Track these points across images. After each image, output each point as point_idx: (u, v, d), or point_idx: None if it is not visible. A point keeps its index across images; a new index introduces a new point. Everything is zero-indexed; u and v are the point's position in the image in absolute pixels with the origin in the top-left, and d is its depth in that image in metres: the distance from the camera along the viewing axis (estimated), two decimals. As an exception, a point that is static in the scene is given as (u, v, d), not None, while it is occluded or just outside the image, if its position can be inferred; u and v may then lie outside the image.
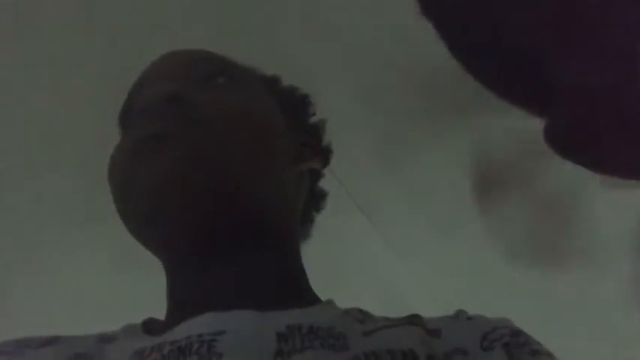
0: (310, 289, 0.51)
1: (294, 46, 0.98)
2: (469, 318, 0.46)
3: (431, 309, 0.50)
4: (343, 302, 0.49)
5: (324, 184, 0.66)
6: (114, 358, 0.41)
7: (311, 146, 0.56)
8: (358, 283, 1.11)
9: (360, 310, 0.48)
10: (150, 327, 0.46)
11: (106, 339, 0.44)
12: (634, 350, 1.20)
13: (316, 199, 0.60)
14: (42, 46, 0.93)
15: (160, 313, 0.50)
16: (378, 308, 0.50)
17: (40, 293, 1.13)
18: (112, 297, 1.09)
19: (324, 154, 0.59)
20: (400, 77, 1.09)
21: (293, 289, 0.49)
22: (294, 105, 0.57)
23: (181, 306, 0.46)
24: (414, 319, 0.44)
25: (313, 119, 0.60)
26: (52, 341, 0.44)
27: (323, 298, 0.51)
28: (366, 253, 1.21)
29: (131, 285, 1.07)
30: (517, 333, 0.43)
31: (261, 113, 0.49)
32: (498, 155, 1.00)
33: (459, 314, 0.47)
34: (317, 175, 0.59)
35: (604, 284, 1.24)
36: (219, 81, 0.49)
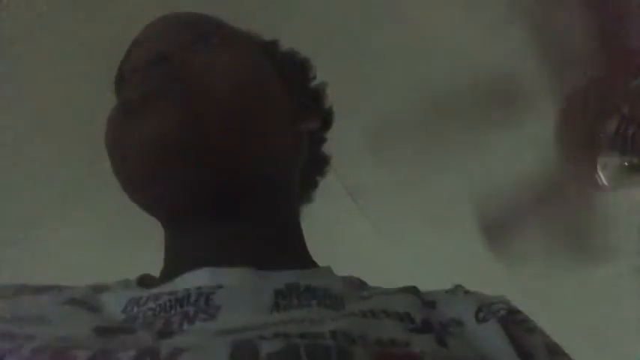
0: (308, 254, 0.51)
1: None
2: (466, 292, 0.45)
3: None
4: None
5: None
6: (109, 305, 0.41)
7: (311, 108, 0.56)
8: (345, 265, 1.12)
9: (358, 279, 0.48)
10: (144, 282, 0.46)
11: (100, 288, 0.44)
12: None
13: (320, 163, 0.60)
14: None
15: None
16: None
17: (33, 265, 1.13)
18: (105, 269, 1.09)
19: (325, 116, 0.59)
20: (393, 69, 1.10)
21: (291, 250, 0.49)
22: (293, 68, 0.57)
23: (178, 261, 0.46)
24: (410, 289, 0.44)
25: (314, 83, 0.60)
26: (48, 289, 0.44)
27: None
28: (353, 237, 1.22)
29: (124, 257, 1.07)
30: (514, 311, 0.43)
31: (252, 72, 0.49)
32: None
33: (457, 289, 0.46)
34: (320, 139, 0.59)
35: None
36: (211, 42, 0.49)
